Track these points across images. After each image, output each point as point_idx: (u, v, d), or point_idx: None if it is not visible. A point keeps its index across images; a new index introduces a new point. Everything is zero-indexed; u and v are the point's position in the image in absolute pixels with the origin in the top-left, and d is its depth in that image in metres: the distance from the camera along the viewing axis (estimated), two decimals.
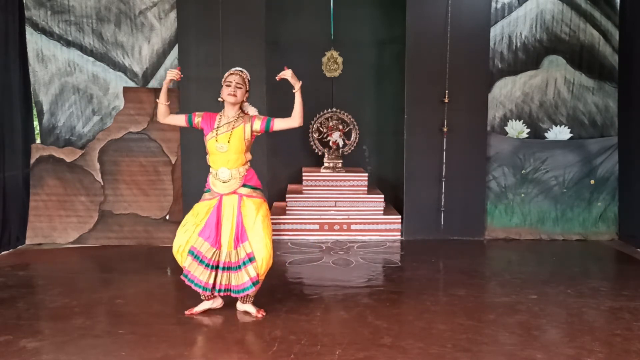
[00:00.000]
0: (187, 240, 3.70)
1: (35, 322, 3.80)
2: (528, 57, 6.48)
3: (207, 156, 3.78)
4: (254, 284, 3.68)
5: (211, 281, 3.71)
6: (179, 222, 5.88)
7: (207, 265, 3.69)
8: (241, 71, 3.77)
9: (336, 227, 6.35)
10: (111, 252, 5.77)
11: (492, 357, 3.26)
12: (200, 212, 3.74)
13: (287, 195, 6.52)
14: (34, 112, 6.23)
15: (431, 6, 6.13)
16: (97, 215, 6.07)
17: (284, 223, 6.34)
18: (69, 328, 3.64)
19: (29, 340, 3.43)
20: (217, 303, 3.90)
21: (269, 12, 6.19)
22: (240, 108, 3.80)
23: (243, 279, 3.68)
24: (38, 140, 6.23)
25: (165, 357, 3.21)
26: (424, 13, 6.14)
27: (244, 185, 3.74)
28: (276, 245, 6.02)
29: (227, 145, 3.66)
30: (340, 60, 7.16)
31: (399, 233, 6.35)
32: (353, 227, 6.34)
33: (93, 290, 4.51)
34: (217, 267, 3.72)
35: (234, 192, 3.72)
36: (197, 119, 3.75)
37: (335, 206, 6.47)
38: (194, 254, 3.69)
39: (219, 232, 3.72)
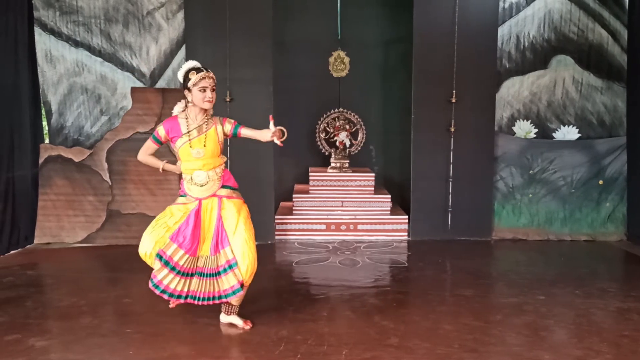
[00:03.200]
0: (156, 241, 3.44)
1: (43, 321, 3.82)
2: (536, 57, 6.45)
3: (179, 163, 3.57)
4: (234, 291, 3.44)
5: (186, 289, 3.48)
6: None
7: (180, 273, 3.45)
8: (208, 71, 3.49)
9: (343, 227, 6.34)
10: (119, 251, 5.80)
11: (499, 357, 3.24)
12: (174, 215, 3.51)
13: (293, 195, 6.52)
14: (43, 112, 6.27)
15: (438, 6, 6.12)
16: (105, 215, 6.10)
17: (290, 223, 6.35)
18: (77, 327, 3.66)
19: (38, 339, 3.46)
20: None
21: (276, 12, 6.20)
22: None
23: (223, 285, 3.45)
24: (47, 140, 6.27)
25: (172, 356, 3.22)
26: (431, 12, 6.13)
27: (223, 187, 3.56)
28: (283, 245, 6.07)
29: (204, 150, 3.46)
30: (347, 60, 7.16)
31: (406, 233, 6.34)
32: (360, 227, 6.34)
33: (100, 289, 4.54)
34: (191, 275, 3.49)
35: (214, 195, 3.52)
36: (162, 132, 3.52)
37: (342, 206, 6.47)
38: (162, 259, 3.43)
39: (197, 239, 3.47)
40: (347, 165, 6.81)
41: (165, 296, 3.49)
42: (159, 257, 3.43)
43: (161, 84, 6.28)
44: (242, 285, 3.45)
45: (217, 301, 3.51)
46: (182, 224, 3.47)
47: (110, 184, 6.11)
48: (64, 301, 4.20)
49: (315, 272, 5.10)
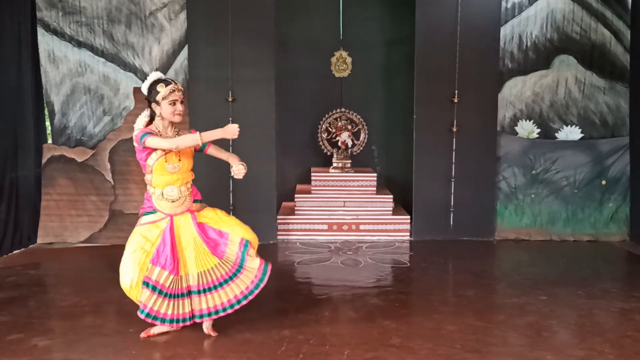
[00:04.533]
0: (140, 269, 3.30)
1: (46, 321, 3.83)
2: (538, 57, 6.44)
3: (149, 177, 3.38)
4: (264, 270, 3.41)
5: (186, 310, 3.36)
6: None
7: (168, 295, 3.31)
8: (176, 83, 3.34)
9: (345, 227, 6.34)
10: (121, 251, 5.72)
11: (501, 358, 3.24)
12: (148, 238, 3.33)
13: (295, 196, 6.53)
14: (46, 112, 6.28)
15: (441, 6, 6.12)
16: (108, 215, 6.11)
17: (292, 223, 6.35)
18: (80, 327, 3.67)
19: (40, 338, 3.47)
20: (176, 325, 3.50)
21: (278, 12, 6.20)
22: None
23: (254, 265, 3.39)
24: (49, 140, 6.29)
25: (174, 356, 3.22)
26: (433, 13, 6.13)
27: (194, 201, 3.46)
28: (285, 245, 6.08)
29: (179, 165, 3.34)
30: (349, 60, 7.16)
31: (408, 233, 6.33)
32: (362, 227, 6.34)
33: (103, 289, 4.54)
34: (184, 295, 3.36)
35: (187, 210, 3.40)
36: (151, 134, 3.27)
37: (344, 206, 6.47)
38: (149, 285, 3.28)
39: (176, 258, 3.32)
40: (349, 165, 6.81)
41: (158, 322, 3.35)
42: (146, 284, 3.29)
43: None
44: (266, 262, 3.44)
45: (243, 303, 3.42)
46: (159, 245, 3.32)
47: (112, 184, 6.13)
48: (67, 301, 4.21)
49: (317, 272, 5.11)
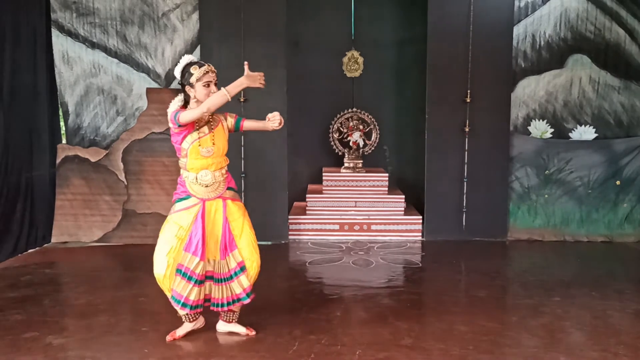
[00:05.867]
0: (174, 258, 3.27)
1: (60, 319, 3.88)
2: (552, 56, 6.39)
3: (183, 160, 3.34)
4: (248, 294, 3.39)
5: (201, 297, 3.36)
6: None
7: (196, 282, 3.30)
8: (209, 65, 3.32)
9: (356, 227, 6.34)
10: (134, 250, 5.85)
11: (514, 359, 3.22)
12: (182, 225, 3.30)
13: (307, 195, 6.53)
14: (60, 113, 6.35)
15: (453, 5, 6.09)
16: (121, 215, 6.15)
17: (304, 223, 6.36)
18: (94, 325, 3.71)
19: (55, 336, 3.51)
20: (200, 323, 3.54)
21: (290, 12, 6.21)
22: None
23: (236, 289, 3.37)
24: (64, 141, 6.34)
25: (187, 355, 3.25)
26: (445, 12, 6.10)
27: (228, 188, 3.40)
28: (296, 245, 6.08)
29: (213, 148, 3.30)
30: (361, 60, 7.15)
31: (420, 234, 6.32)
32: (373, 227, 6.33)
33: (117, 288, 4.58)
34: (202, 282, 3.36)
35: (220, 197, 3.36)
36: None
37: (355, 206, 6.47)
38: (182, 273, 3.28)
39: (205, 243, 3.31)
40: (360, 165, 6.81)
41: (179, 306, 3.34)
42: (179, 271, 3.28)
43: (176, 84, 6.32)
44: (248, 292, 3.39)
45: (231, 306, 3.42)
46: (191, 232, 3.31)
47: (126, 183, 6.17)
48: (81, 299, 4.26)
49: (328, 272, 5.11)
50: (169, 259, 3.26)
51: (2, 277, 4.83)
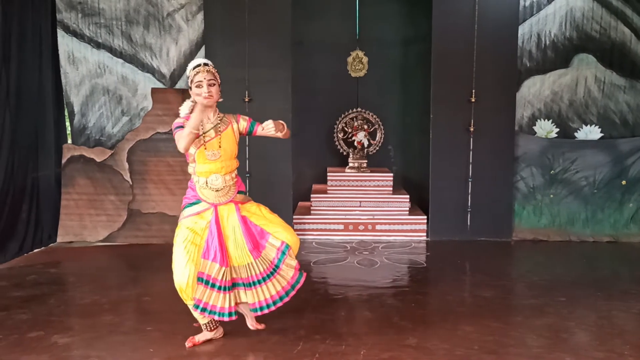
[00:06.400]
0: (195, 267, 3.19)
1: (66, 319, 3.89)
2: (557, 56, 6.37)
3: (192, 165, 3.27)
4: (297, 280, 3.33)
5: (233, 304, 3.26)
6: None
7: (221, 288, 3.21)
8: (206, 64, 3.20)
9: (361, 227, 6.34)
10: (139, 250, 5.87)
11: (519, 359, 3.21)
12: (196, 231, 3.24)
13: (311, 195, 6.53)
14: (66, 113, 6.37)
15: (458, 4, 6.08)
16: (126, 214, 6.17)
17: (308, 223, 6.36)
18: (99, 324, 3.72)
19: (60, 336, 3.52)
20: (219, 333, 3.47)
21: (294, 12, 6.21)
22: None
23: (288, 274, 3.30)
24: (69, 141, 6.37)
25: (191, 354, 3.25)
26: (450, 11, 6.09)
27: (238, 192, 3.34)
28: (301, 245, 6.05)
29: (220, 151, 3.21)
30: (365, 60, 7.15)
31: (425, 233, 6.31)
32: (378, 227, 6.32)
33: (122, 287, 4.60)
34: (231, 288, 3.26)
35: (231, 201, 3.29)
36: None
37: (360, 206, 6.47)
38: (204, 281, 3.20)
39: (224, 248, 3.23)
40: (365, 165, 6.80)
41: (215, 317, 3.24)
42: (200, 279, 3.20)
43: (181, 84, 6.34)
44: (300, 270, 3.35)
45: (282, 302, 3.32)
46: (207, 237, 3.24)
47: (131, 183, 6.19)
48: (86, 299, 4.27)
49: (333, 272, 5.11)
50: (190, 269, 3.18)
51: (8, 277, 4.85)
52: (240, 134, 3.33)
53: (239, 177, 3.41)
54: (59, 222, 6.16)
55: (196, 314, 3.31)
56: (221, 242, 3.23)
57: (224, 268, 3.21)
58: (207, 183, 3.24)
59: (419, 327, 3.67)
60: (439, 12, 6.09)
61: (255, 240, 3.29)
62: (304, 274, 3.40)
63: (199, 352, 3.28)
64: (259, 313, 3.32)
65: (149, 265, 5.33)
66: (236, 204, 3.31)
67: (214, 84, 3.18)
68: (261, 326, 3.48)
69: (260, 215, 3.35)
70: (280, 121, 3.27)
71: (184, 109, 3.28)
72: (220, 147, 3.22)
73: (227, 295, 3.23)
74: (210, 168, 3.23)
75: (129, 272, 5.32)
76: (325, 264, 5.32)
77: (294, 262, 3.34)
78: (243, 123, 3.32)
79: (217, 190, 3.25)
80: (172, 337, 3.48)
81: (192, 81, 3.17)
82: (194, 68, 3.19)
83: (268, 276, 3.29)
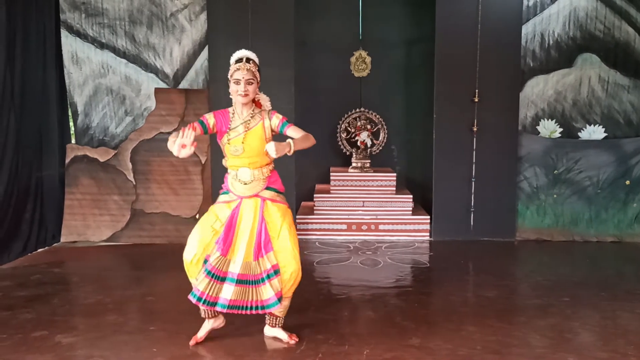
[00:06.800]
0: (204, 247, 3.20)
1: (69, 318, 3.89)
2: (561, 55, 6.36)
3: (224, 159, 3.33)
4: (279, 299, 3.21)
5: (211, 293, 3.17)
6: None
7: (212, 275, 3.17)
8: (249, 61, 3.19)
9: (364, 227, 6.34)
10: (143, 250, 5.88)
11: (522, 359, 3.21)
12: (219, 217, 3.26)
13: (315, 195, 6.53)
14: (69, 113, 6.39)
15: (461, 4, 6.07)
16: (129, 214, 6.19)
17: (311, 223, 6.36)
18: (103, 324, 3.73)
19: (64, 335, 3.53)
20: (219, 322, 3.44)
21: (297, 12, 6.22)
22: (253, 100, 3.30)
23: (268, 293, 3.20)
24: (73, 141, 6.39)
25: (194, 354, 3.25)
26: (453, 11, 6.08)
27: (267, 188, 3.31)
28: (304, 244, 6.08)
29: (242, 147, 3.20)
30: (368, 60, 7.15)
31: (428, 233, 6.30)
32: (381, 227, 6.32)
33: (125, 287, 4.61)
34: (223, 279, 3.21)
35: (256, 195, 3.28)
36: (211, 120, 3.22)
37: (363, 206, 6.46)
38: (207, 271, 3.19)
39: (230, 239, 3.22)
40: (368, 165, 6.80)
41: (201, 304, 3.21)
42: (205, 262, 3.19)
43: (184, 84, 6.35)
44: (279, 297, 3.21)
45: (259, 311, 3.23)
46: (225, 227, 3.23)
47: (134, 183, 6.20)
48: (90, 299, 4.28)
49: (336, 272, 5.11)
50: (199, 248, 3.19)
51: (12, 276, 4.87)
52: (272, 131, 3.29)
53: (275, 173, 3.39)
54: (62, 222, 6.18)
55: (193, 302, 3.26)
56: (229, 233, 3.22)
57: (222, 257, 3.20)
58: (237, 175, 3.27)
59: (422, 327, 3.67)
60: (442, 12, 6.08)
61: (260, 244, 3.25)
62: (279, 305, 3.22)
63: (202, 351, 3.28)
64: (226, 310, 3.22)
65: (153, 265, 5.34)
66: (263, 200, 3.29)
67: (252, 83, 3.19)
68: (295, 339, 3.38)
69: (277, 229, 3.26)
70: (284, 143, 3.08)
71: (267, 104, 3.39)
72: (243, 142, 3.21)
73: (212, 283, 3.17)
74: (236, 162, 3.26)
75: (133, 271, 5.33)
76: (328, 264, 5.32)
77: (278, 288, 3.22)
78: (275, 121, 3.28)
79: (245, 184, 3.26)
80: (175, 337, 3.49)
81: (231, 75, 3.19)
82: (235, 62, 3.20)
83: (257, 282, 3.23)
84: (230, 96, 3.25)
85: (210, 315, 3.37)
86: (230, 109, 3.29)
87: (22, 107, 5.54)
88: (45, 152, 5.95)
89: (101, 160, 6.22)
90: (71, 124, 6.40)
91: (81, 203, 6.20)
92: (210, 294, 3.18)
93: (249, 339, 3.46)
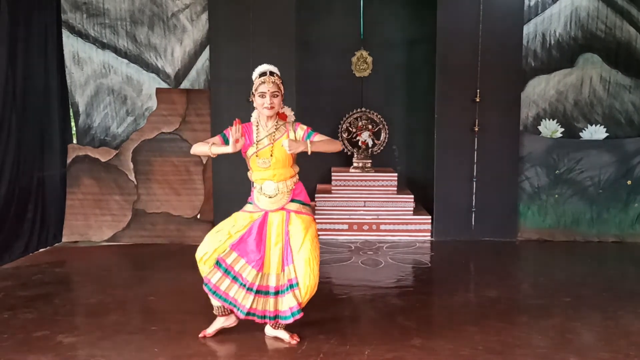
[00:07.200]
0: (215, 248, 3.28)
1: (71, 318, 3.90)
2: (562, 55, 6.35)
3: (249, 172, 3.41)
4: (293, 314, 3.27)
5: (249, 305, 3.28)
6: (209, 221, 6.05)
7: (244, 286, 3.27)
8: (272, 74, 3.29)
9: (365, 227, 6.33)
10: (144, 250, 5.88)
11: None
12: (238, 223, 3.33)
13: (316, 195, 6.53)
14: (71, 113, 6.39)
15: (462, 4, 6.07)
16: (131, 214, 6.19)
17: None
18: (104, 324, 3.73)
19: (66, 335, 3.53)
20: (231, 321, 3.49)
21: (299, 12, 6.22)
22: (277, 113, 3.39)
23: (282, 306, 3.29)
24: (74, 141, 6.39)
25: (196, 354, 3.25)
26: (455, 11, 6.08)
27: (292, 201, 3.35)
28: None
29: (270, 160, 3.26)
30: (370, 60, 7.15)
31: (429, 233, 6.30)
32: (382, 227, 6.32)
33: (127, 287, 4.61)
34: (256, 292, 3.31)
35: (282, 209, 3.33)
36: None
37: (364, 206, 6.46)
38: (222, 267, 3.27)
39: (262, 253, 3.29)
40: (369, 165, 6.80)
41: (224, 303, 3.31)
42: (218, 264, 3.27)
43: (185, 84, 6.35)
44: (300, 307, 3.27)
45: (273, 320, 3.35)
46: (244, 233, 3.30)
47: (135, 183, 6.20)
48: (92, 298, 4.28)
49: (337, 272, 5.11)
50: (210, 248, 3.28)
51: (14, 276, 4.87)
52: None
53: (299, 185, 3.44)
54: (64, 222, 6.18)
55: (209, 296, 3.36)
56: (259, 245, 3.28)
57: (254, 270, 3.28)
58: (261, 189, 3.32)
59: (424, 327, 3.67)
60: (443, 12, 6.08)
61: (285, 257, 3.32)
62: (293, 319, 3.29)
63: (204, 351, 3.28)
64: (243, 317, 3.33)
65: (154, 265, 5.35)
66: (288, 213, 3.34)
67: (277, 95, 3.27)
68: (296, 339, 3.41)
69: (299, 242, 3.28)
70: (300, 142, 3.23)
71: (254, 115, 3.42)
72: (272, 155, 3.27)
73: (248, 295, 3.28)
74: (263, 175, 3.31)
75: (134, 271, 5.34)
76: (330, 264, 5.32)
77: (293, 303, 3.27)
78: (300, 132, 3.33)
79: (270, 197, 3.31)
80: (177, 337, 3.49)
81: (255, 89, 3.25)
82: (260, 76, 3.26)
83: (277, 293, 3.33)
84: (255, 109, 3.34)
85: (222, 312, 3.42)
86: (253, 122, 3.37)
87: (24, 107, 5.54)
88: (46, 152, 5.96)
89: (102, 160, 6.22)
90: (72, 124, 6.40)
91: (82, 203, 6.20)
92: (248, 305, 3.29)
93: (250, 339, 3.46)
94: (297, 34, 6.22)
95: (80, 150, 6.25)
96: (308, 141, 3.21)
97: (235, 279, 3.28)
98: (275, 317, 3.34)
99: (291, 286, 3.27)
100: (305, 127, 3.36)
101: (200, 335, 3.45)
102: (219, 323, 3.47)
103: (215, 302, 3.38)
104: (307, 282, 3.26)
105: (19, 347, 3.34)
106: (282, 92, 3.33)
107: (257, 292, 3.31)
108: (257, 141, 3.29)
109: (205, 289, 3.34)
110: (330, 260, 5.43)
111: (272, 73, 3.30)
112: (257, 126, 3.34)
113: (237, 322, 3.51)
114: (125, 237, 6.17)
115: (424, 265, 5.40)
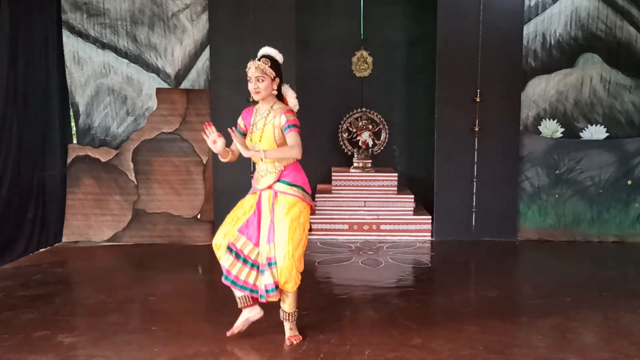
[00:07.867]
0: (224, 235, 3.35)
1: (71, 318, 3.90)
2: (562, 55, 6.35)
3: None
4: (267, 291, 3.26)
5: (251, 280, 3.32)
6: (210, 221, 6.06)
7: (253, 266, 3.33)
8: (260, 59, 3.34)
9: (365, 227, 6.33)
10: (144, 250, 5.88)
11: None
12: (244, 206, 3.42)
13: (316, 195, 6.53)
14: (71, 113, 6.39)
15: (463, 4, 6.06)
16: (131, 214, 6.19)
17: (313, 223, 6.33)
18: (104, 324, 3.73)
19: (66, 335, 3.53)
20: (255, 313, 3.47)
21: (299, 12, 6.22)
22: (279, 96, 3.42)
23: (263, 281, 3.30)
24: (74, 141, 6.39)
25: (196, 354, 3.25)
26: (455, 11, 6.07)
27: (279, 181, 3.34)
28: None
29: (258, 145, 3.29)
30: (370, 60, 7.14)
31: (429, 233, 6.30)
32: (383, 227, 6.32)
33: (127, 287, 4.61)
34: (254, 266, 3.35)
35: (270, 188, 3.35)
36: (240, 122, 3.44)
37: (364, 206, 6.46)
38: (233, 251, 3.33)
39: (259, 231, 3.35)
40: (369, 165, 6.80)
41: (235, 287, 3.34)
42: (229, 249, 3.32)
43: (185, 84, 6.35)
44: (275, 286, 3.26)
45: (262, 299, 3.34)
46: (250, 216, 3.37)
47: (136, 183, 6.20)
48: (92, 298, 4.28)
49: (337, 272, 5.11)
50: (223, 234, 3.36)
51: (14, 276, 4.87)
52: (280, 129, 3.32)
53: (292, 167, 3.40)
54: (64, 222, 6.18)
55: (228, 285, 3.39)
56: (259, 225, 3.35)
57: (256, 248, 3.34)
58: (258, 168, 3.42)
59: (424, 327, 3.67)
60: (443, 12, 6.07)
61: (269, 235, 3.33)
62: (273, 294, 3.28)
63: (204, 351, 3.28)
64: (264, 299, 3.33)
65: (154, 265, 5.35)
66: (275, 192, 3.36)
67: (263, 80, 3.30)
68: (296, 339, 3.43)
69: (280, 221, 3.29)
70: (255, 151, 3.24)
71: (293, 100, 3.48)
72: (260, 140, 3.32)
73: (251, 271, 3.34)
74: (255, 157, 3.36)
75: (134, 271, 5.34)
76: (330, 264, 5.32)
77: (270, 280, 3.26)
78: (281, 120, 3.30)
79: (262, 177, 3.38)
80: (177, 337, 3.49)
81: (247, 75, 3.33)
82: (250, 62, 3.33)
83: (262, 270, 3.33)
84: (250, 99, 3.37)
85: (245, 303, 3.42)
86: (256, 106, 3.45)
87: (24, 107, 5.55)
88: (46, 152, 5.96)
89: (103, 160, 6.22)
90: (73, 124, 6.40)
91: (83, 203, 6.20)
92: (249, 281, 3.33)
93: (251, 339, 3.46)
94: (297, 34, 6.22)
95: (80, 150, 6.25)
96: (263, 153, 3.21)
97: (245, 261, 3.34)
98: (266, 291, 3.31)
99: (269, 264, 3.28)
100: (288, 117, 3.29)
101: (228, 333, 3.46)
102: (244, 316, 3.47)
103: (237, 292, 3.39)
104: (281, 263, 3.24)
105: (19, 347, 3.34)
106: (273, 75, 3.34)
107: (252, 265, 3.35)
108: (252, 124, 3.37)
109: (227, 282, 3.34)
110: (330, 260, 5.43)
111: (262, 57, 3.37)
112: (256, 110, 3.42)
113: (262, 314, 3.49)
114: (126, 237, 6.17)
115: (424, 265, 5.40)
